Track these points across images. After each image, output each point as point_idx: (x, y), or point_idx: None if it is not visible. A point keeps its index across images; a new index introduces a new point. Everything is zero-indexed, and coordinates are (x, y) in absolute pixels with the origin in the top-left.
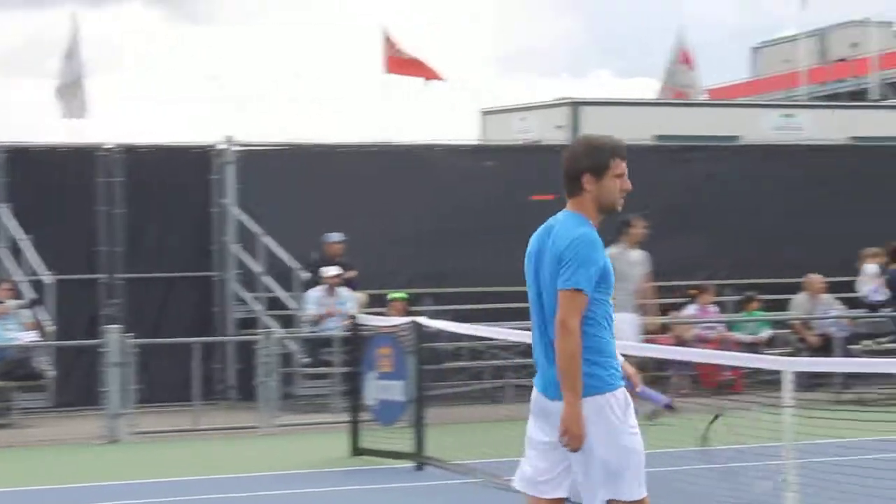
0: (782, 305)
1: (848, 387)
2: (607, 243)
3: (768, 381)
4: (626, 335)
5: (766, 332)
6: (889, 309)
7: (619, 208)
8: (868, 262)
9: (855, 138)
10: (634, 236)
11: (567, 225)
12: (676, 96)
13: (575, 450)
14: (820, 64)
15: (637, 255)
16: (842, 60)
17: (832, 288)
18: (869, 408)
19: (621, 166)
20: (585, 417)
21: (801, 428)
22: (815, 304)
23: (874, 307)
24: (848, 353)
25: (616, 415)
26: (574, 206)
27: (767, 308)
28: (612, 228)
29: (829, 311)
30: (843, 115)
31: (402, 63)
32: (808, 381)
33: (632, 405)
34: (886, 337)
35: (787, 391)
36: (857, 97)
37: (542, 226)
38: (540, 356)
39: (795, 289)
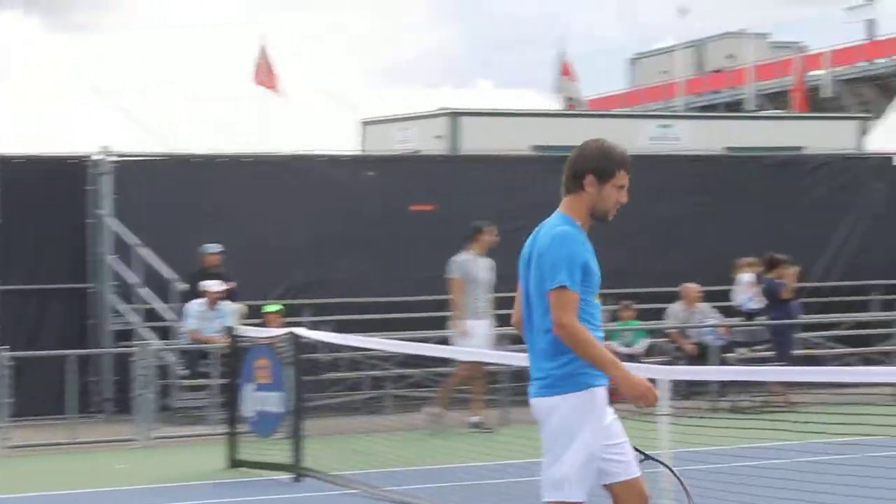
0: (659, 315)
1: (724, 395)
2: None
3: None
4: (480, 342)
5: (642, 343)
6: (764, 317)
7: (610, 218)
8: (744, 271)
9: (731, 148)
10: (484, 243)
11: (550, 225)
12: (570, 108)
13: (652, 403)
14: (697, 75)
15: (485, 262)
16: (718, 71)
17: (708, 297)
18: (744, 415)
19: (625, 179)
20: (574, 408)
21: (677, 436)
22: (691, 313)
23: (750, 316)
24: (724, 362)
25: (599, 410)
26: (566, 206)
27: (644, 317)
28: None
29: (705, 319)
30: (719, 126)
31: (267, 74)
32: (685, 390)
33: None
34: (761, 345)
35: (664, 399)
36: (733, 108)
37: (535, 229)
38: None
39: (672, 298)
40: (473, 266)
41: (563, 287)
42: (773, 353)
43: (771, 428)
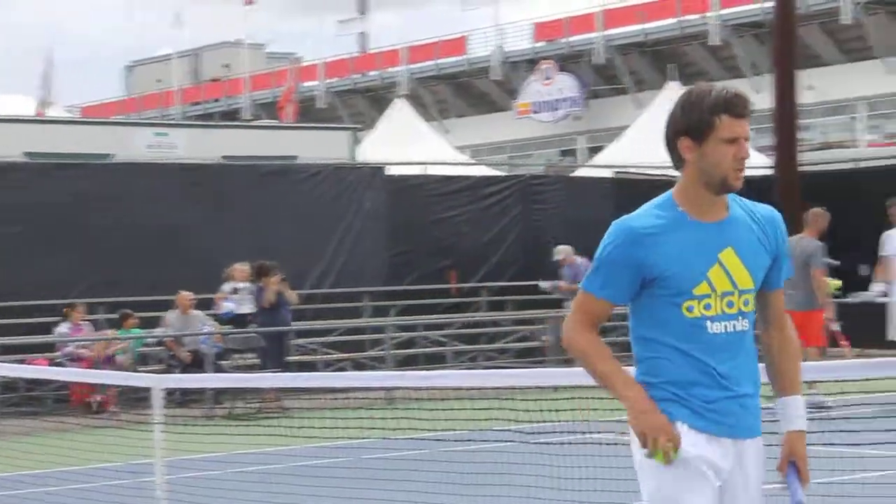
0: (156, 323)
1: (219, 402)
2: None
3: (140, 399)
4: None
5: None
6: (255, 325)
7: (737, 184)
8: (235, 277)
9: (227, 157)
10: None
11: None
12: (39, 114)
13: (653, 449)
14: (194, 84)
15: None
16: (215, 80)
17: (205, 305)
18: (239, 422)
19: (734, 127)
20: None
21: (171, 444)
22: (186, 321)
23: (242, 323)
24: (219, 369)
25: (637, 451)
26: (677, 186)
27: (143, 325)
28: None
29: (201, 327)
30: (215, 135)
31: None
32: (181, 398)
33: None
34: (255, 352)
35: (158, 408)
36: (230, 117)
37: None
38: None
39: (170, 306)
40: None
41: (585, 291)
42: (265, 359)
43: (266, 434)
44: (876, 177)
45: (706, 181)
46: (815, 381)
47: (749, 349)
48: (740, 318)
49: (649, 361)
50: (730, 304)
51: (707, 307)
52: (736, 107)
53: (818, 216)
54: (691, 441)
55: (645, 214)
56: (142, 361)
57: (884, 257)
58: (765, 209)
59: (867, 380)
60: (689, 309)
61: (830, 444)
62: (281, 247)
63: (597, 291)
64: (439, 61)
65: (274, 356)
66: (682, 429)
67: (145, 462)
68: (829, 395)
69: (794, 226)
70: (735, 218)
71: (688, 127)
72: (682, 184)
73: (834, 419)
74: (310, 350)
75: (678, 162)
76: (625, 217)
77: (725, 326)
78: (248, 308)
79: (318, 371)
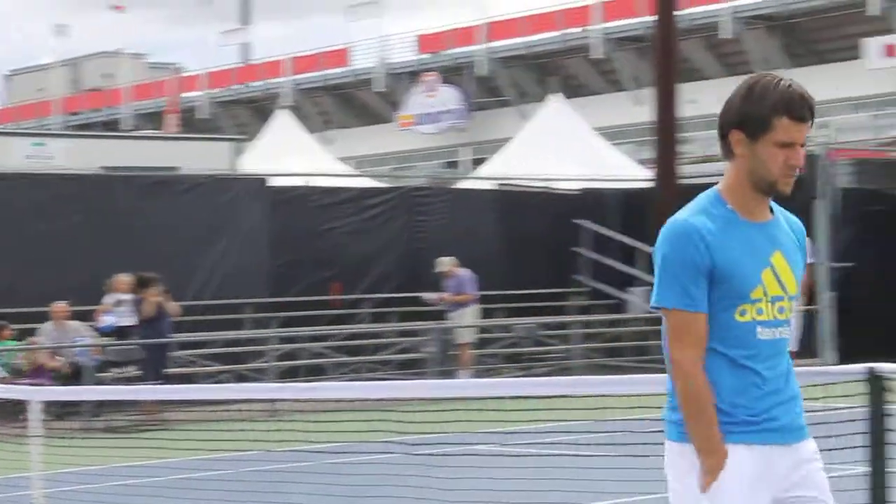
0: (33, 334)
1: (98, 415)
2: None
3: (16, 412)
4: None
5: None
6: (136, 337)
7: (787, 190)
8: (118, 289)
9: (108, 167)
10: None
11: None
12: None
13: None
14: (73, 93)
15: None
16: (95, 90)
17: (85, 316)
18: (119, 435)
19: (790, 131)
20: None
21: (49, 458)
22: (63, 332)
23: (124, 335)
24: (99, 381)
25: (677, 469)
26: (724, 178)
27: (19, 337)
28: None
29: (79, 339)
30: (95, 145)
31: None
32: (59, 410)
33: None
34: (135, 364)
35: (35, 421)
36: (110, 126)
37: None
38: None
39: (46, 317)
40: None
41: (664, 309)
42: (145, 371)
43: (146, 447)
44: None
45: (754, 181)
46: None
47: (787, 355)
48: (785, 325)
49: None
50: (781, 310)
51: (759, 312)
52: (799, 109)
53: None
54: (746, 459)
55: (698, 212)
56: (17, 374)
57: None
58: (793, 217)
59: None
60: (742, 313)
61: None
62: (162, 258)
63: (691, 305)
64: (323, 72)
65: (154, 368)
66: (738, 448)
67: (22, 476)
68: None
69: None
70: (778, 220)
71: (743, 120)
72: (730, 180)
73: None
74: (190, 362)
75: (728, 154)
76: (679, 217)
77: (773, 332)
78: (129, 320)
79: (198, 383)
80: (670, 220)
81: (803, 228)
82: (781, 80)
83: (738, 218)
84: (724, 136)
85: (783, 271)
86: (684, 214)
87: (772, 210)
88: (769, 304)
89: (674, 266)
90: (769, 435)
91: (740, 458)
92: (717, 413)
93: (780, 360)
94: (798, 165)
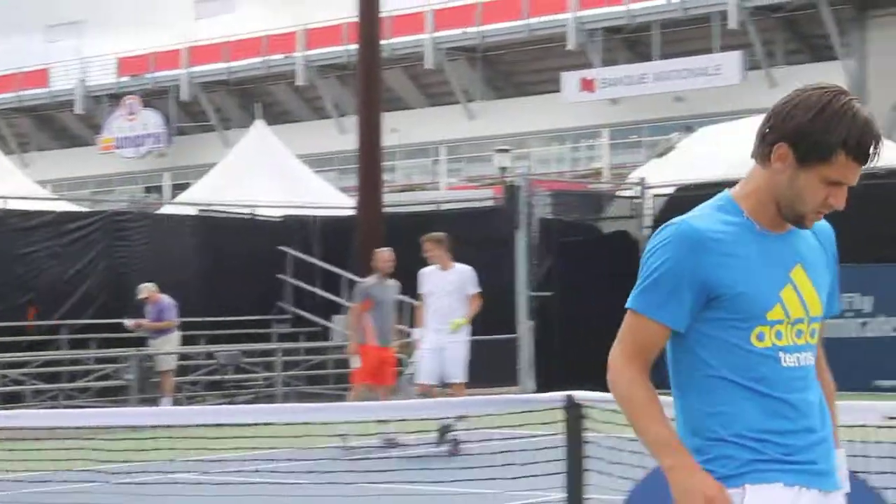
0: None
1: None
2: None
3: None
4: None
5: None
6: None
7: (810, 226)
8: None
9: None
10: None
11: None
12: None
13: None
14: None
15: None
16: None
17: None
18: None
19: (847, 172)
20: None
21: None
22: None
23: None
24: None
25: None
26: (743, 181)
27: None
28: None
29: None
30: None
31: None
32: None
33: None
34: None
35: None
36: None
37: None
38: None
39: None
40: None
41: (633, 311)
42: None
43: None
44: (454, 218)
45: (781, 203)
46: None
47: (816, 385)
48: (810, 350)
49: (707, 405)
50: (799, 333)
51: (778, 335)
52: (866, 152)
53: (375, 256)
54: (782, 498)
55: (707, 217)
56: None
57: (422, 295)
58: (821, 221)
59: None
60: (760, 337)
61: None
62: None
63: (653, 312)
64: (20, 93)
65: None
66: (774, 488)
67: None
68: (407, 432)
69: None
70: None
71: (798, 138)
72: (751, 187)
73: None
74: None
75: (762, 159)
76: (682, 218)
77: (798, 359)
78: None
79: None
80: (671, 221)
81: (832, 233)
82: (859, 109)
83: (755, 229)
84: (764, 139)
85: (805, 288)
86: (688, 217)
87: None
88: (789, 327)
89: (658, 270)
90: (810, 478)
91: (775, 495)
92: (741, 450)
93: (809, 390)
94: (838, 208)
